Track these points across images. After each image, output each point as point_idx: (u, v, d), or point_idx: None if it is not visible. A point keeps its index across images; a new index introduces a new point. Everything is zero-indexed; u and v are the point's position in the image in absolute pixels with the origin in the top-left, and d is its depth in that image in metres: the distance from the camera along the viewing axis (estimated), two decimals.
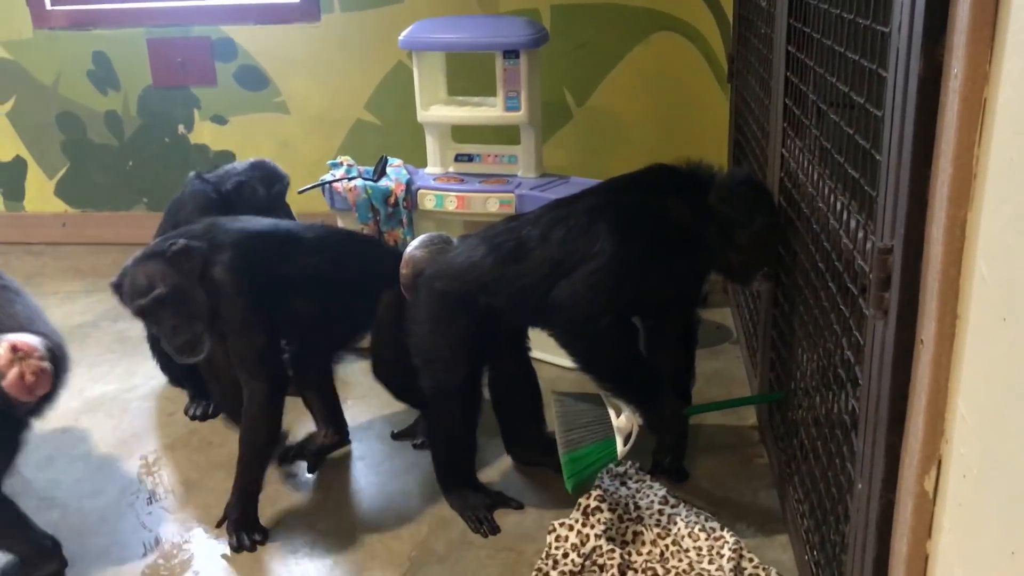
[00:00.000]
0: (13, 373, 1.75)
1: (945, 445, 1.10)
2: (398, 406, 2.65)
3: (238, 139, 3.89)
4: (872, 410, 1.26)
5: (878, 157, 1.24)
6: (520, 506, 2.17)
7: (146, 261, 2.06)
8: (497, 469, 2.33)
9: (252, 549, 2.05)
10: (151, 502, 2.27)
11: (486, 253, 2.07)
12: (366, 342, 2.39)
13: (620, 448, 2.05)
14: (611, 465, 2.24)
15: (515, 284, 2.03)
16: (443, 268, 2.12)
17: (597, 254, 1.96)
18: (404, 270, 2.20)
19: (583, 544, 1.96)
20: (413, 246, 2.23)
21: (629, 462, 2.24)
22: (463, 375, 2.11)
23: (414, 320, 2.15)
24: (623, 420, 2.05)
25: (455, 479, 2.20)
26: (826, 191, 1.63)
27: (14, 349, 1.76)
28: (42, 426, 2.57)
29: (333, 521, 2.16)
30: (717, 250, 2.01)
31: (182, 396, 2.72)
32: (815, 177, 1.73)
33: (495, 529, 2.09)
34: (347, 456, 2.43)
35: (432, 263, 2.15)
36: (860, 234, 1.37)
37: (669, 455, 2.24)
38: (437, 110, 2.98)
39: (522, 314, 2.10)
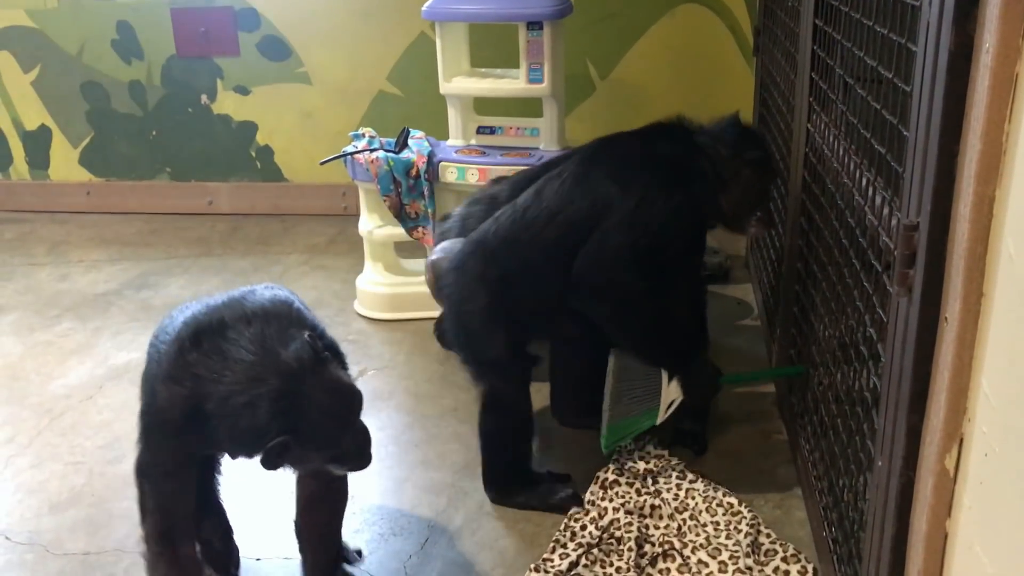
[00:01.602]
0: None
1: (967, 423, 1.09)
2: (418, 376, 2.67)
3: (261, 109, 3.89)
4: (894, 387, 1.26)
5: (905, 133, 1.22)
6: (569, 477, 2.15)
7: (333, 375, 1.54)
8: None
9: None
10: None
11: (488, 227, 2.08)
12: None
13: (661, 415, 2.06)
14: (629, 440, 2.25)
15: (518, 243, 2.02)
16: (454, 260, 2.10)
17: (602, 213, 1.96)
18: (427, 276, 2.20)
19: (601, 517, 1.97)
20: (435, 251, 2.23)
21: (648, 436, 2.25)
22: (502, 345, 2.05)
23: (447, 316, 2.13)
24: (673, 386, 2.06)
25: (517, 477, 2.11)
26: (851, 166, 1.61)
27: None
28: (68, 393, 2.62)
29: (353, 491, 2.18)
30: (710, 187, 2.02)
31: None
32: (840, 152, 1.71)
33: (580, 499, 2.05)
34: (368, 428, 2.45)
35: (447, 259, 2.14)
36: (885, 210, 1.36)
37: (689, 422, 2.23)
38: (460, 82, 2.97)
39: (532, 275, 2.04)
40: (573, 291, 2.02)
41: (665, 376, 2.07)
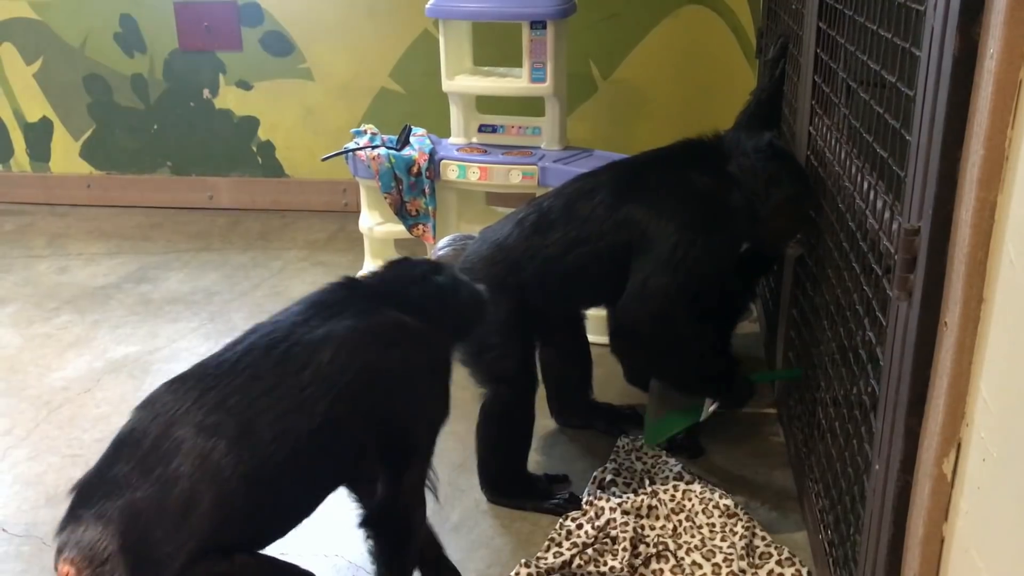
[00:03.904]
0: None
1: (965, 428, 1.09)
2: None
3: (263, 105, 3.89)
4: (893, 391, 1.26)
5: (908, 137, 1.23)
6: (566, 477, 2.16)
7: None
8: None
9: None
10: None
11: (509, 231, 2.04)
12: None
13: (705, 411, 2.07)
14: (627, 440, 2.25)
15: (539, 255, 2.00)
16: (469, 261, 2.06)
17: (640, 252, 1.93)
18: None
19: (597, 516, 1.97)
20: (438, 248, 2.20)
21: (693, 423, 2.23)
22: (519, 359, 2.03)
23: None
24: None
25: (514, 479, 2.10)
26: (853, 170, 1.61)
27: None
28: (66, 386, 2.62)
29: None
30: (746, 222, 1.97)
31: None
32: (842, 156, 1.71)
33: (578, 501, 2.05)
34: None
35: (458, 259, 2.10)
36: (887, 214, 1.36)
37: (682, 434, 2.24)
38: (462, 80, 2.97)
39: (548, 290, 2.03)
40: (618, 338, 2.01)
41: None
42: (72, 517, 1.39)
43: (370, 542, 1.63)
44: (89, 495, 1.40)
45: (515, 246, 2.02)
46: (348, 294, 1.58)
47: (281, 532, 1.52)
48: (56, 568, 1.36)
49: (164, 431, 1.40)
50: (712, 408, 2.07)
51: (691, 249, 1.91)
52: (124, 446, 1.43)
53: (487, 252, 2.05)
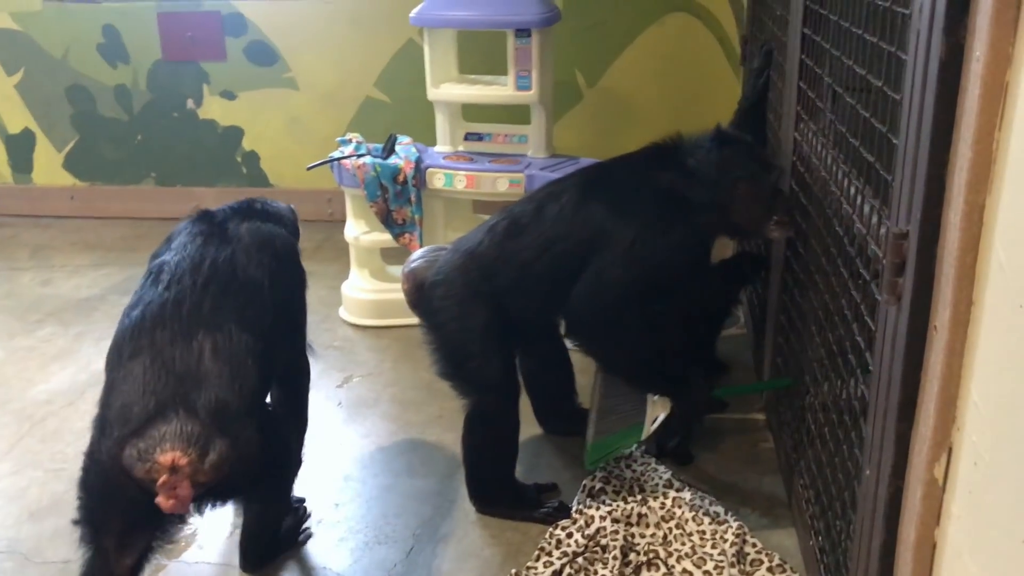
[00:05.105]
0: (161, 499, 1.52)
1: (956, 432, 1.09)
2: (404, 383, 2.65)
3: (247, 115, 3.88)
4: (883, 396, 1.25)
5: (895, 141, 1.23)
6: (555, 486, 2.16)
7: None
8: None
9: None
10: None
11: (481, 239, 2.04)
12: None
13: (646, 429, 2.04)
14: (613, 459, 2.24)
15: (513, 261, 2.00)
16: (442, 271, 2.06)
17: (600, 247, 1.93)
18: (405, 286, 2.15)
19: (587, 525, 1.96)
20: (411, 260, 2.19)
21: (635, 445, 2.24)
22: (500, 366, 2.02)
23: (432, 330, 2.07)
24: (659, 402, 2.05)
25: (502, 488, 2.10)
26: (840, 175, 1.61)
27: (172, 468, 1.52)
28: (50, 399, 2.59)
29: (338, 499, 2.17)
30: (711, 211, 1.96)
31: None
32: (828, 161, 1.71)
33: (567, 509, 2.05)
34: (353, 435, 2.43)
35: (430, 270, 2.10)
36: (874, 219, 1.35)
37: (675, 438, 2.23)
38: (448, 88, 2.96)
39: (524, 296, 2.03)
40: (569, 328, 2.01)
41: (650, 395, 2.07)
42: (133, 435, 1.55)
43: (271, 400, 1.94)
44: (130, 420, 1.56)
45: (487, 253, 2.02)
46: (214, 223, 1.88)
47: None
48: (145, 472, 1.53)
49: (175, 350, 1.62)
50: (655, 426, 2.04)
51: (648, 245, 1.92)
52: (142, 381, 1.59)
53: (459, 261, 2.05)
